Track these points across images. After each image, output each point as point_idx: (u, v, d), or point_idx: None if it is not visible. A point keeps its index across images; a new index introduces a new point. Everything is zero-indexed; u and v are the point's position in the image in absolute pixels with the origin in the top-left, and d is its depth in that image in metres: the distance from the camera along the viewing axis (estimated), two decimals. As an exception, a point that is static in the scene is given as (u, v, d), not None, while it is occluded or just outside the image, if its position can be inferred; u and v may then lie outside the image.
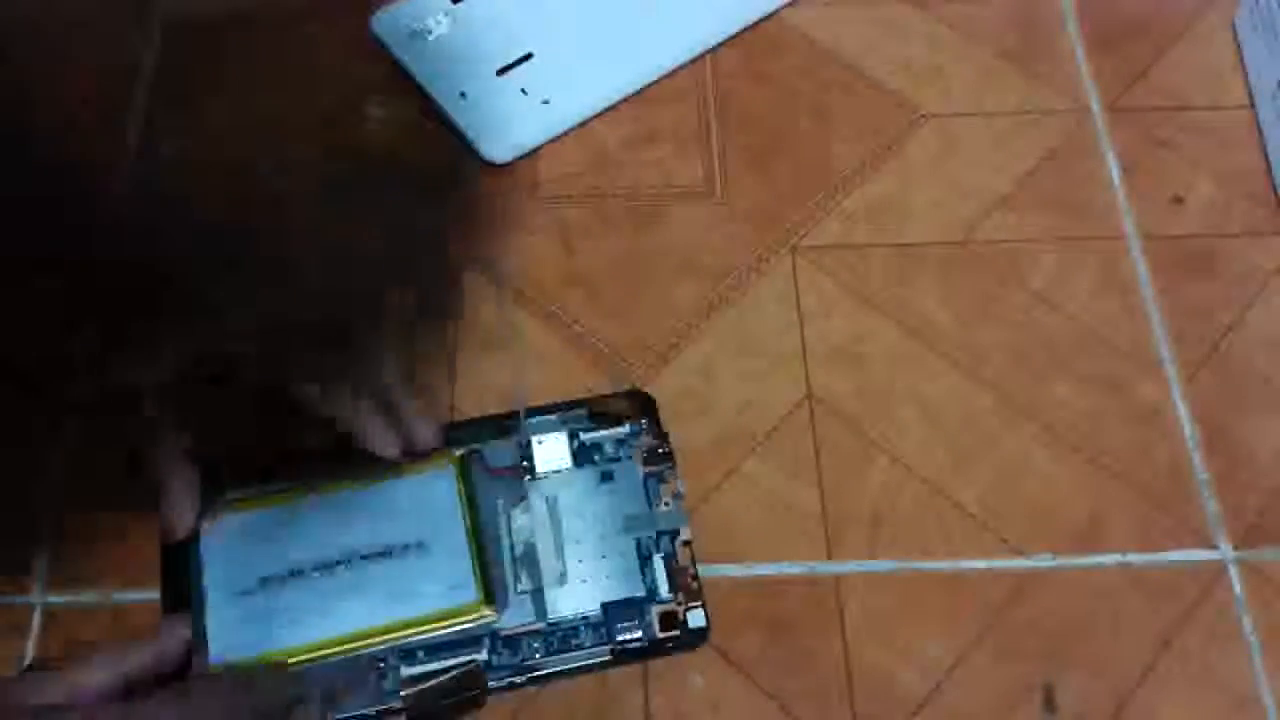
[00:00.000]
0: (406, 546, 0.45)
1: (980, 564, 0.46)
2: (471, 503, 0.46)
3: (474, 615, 0.43)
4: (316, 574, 0.44)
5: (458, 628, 0.43)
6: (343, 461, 0.45)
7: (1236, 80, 0.59)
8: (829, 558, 0.46)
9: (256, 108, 0.56)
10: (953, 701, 0.43)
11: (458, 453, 0.47)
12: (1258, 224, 0.54)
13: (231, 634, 0.43)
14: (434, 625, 0.43)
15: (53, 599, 0.45)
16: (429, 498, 0.46)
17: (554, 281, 0.52)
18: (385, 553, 0.44)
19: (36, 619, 0.45)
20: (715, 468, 0.48)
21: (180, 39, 0.59)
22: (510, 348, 0.48)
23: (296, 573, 0.44)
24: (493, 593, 0.44)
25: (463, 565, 0.44)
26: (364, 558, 0.44)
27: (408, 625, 0.43)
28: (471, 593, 0.44)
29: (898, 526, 0.47)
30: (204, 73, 0.57)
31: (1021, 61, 0.59)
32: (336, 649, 0.43)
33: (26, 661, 0.44)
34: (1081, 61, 0.59)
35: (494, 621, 0.44)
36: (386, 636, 0.43)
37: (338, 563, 0.44)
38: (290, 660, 0.42)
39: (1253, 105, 0.57)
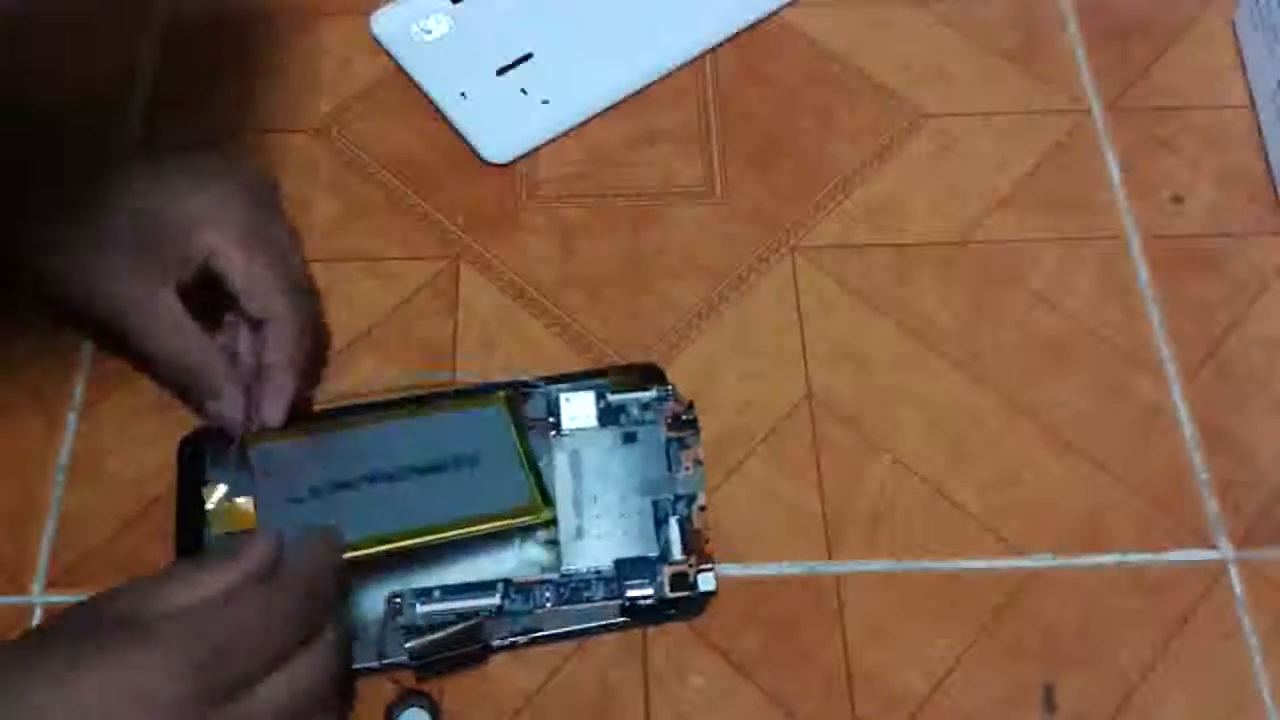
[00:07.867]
0: (459, 460, 0.45)
1: (980, 564, 0.46)
2: (520, 428, 0.46)
3: (533, 515, 0.44)
4: (368, 484, 0.44)
5: (518, 524, 0.44)
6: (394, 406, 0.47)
7: (1236, 80, 0.58)
8: (829, 558, 0.46)
9: (255, 106, 0.56)
10: (953, 701, 0.43)
11: (502, 394, 0.47)
12: (1258, 224, 0.54)
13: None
14: (492, 523, 0.44)
15: (53, 598, 0.45)
16: (478, 425, 0.46)
17: (554, 281, 0.52)
18: (437, 467, 0.45)
19: (36, 619, 0.45)
20: (715, 468, 0.48)
21: (180, 39, 0.59)
22: None
23: (346, 484, 0.44)
24: (549, 495, 0.45)
25: (516, 473, 0.45)
26: (418, 471, 0.45)
27: (466, 522, 0.43)
28: (526, 495, 0.44)
29: (897, 526, 0.47)
30: (204, 72, 0.57)
31: (1021, 61, 0.59)
32: (392, 544, 0.43)
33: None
34: (1081, 61, 0.59)
35: (551, 519, 0.44)
36: (443, 533, 0.43)
37: (389, 476, 0.45)
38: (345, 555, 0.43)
39: (1253, 105, 0.57)
